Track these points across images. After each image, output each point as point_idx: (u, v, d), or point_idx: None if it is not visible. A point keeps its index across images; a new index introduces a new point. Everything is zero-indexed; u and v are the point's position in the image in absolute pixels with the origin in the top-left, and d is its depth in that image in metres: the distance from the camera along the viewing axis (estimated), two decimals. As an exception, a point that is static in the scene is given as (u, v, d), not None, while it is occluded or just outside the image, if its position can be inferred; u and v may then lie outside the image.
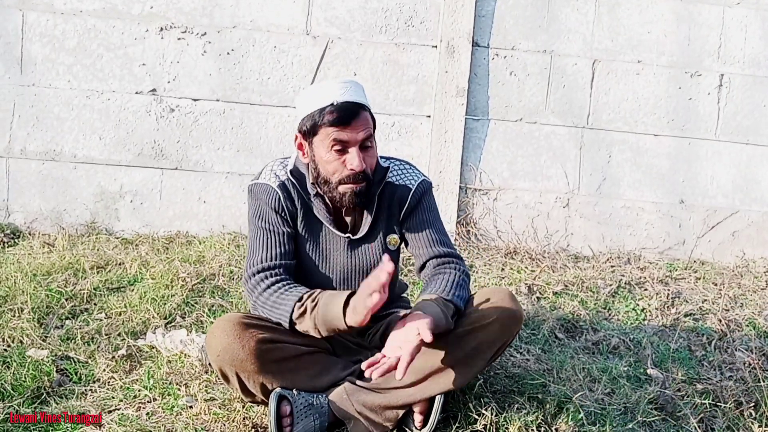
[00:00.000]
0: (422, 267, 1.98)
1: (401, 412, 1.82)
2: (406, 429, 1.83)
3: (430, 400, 1.80)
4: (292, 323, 1.75)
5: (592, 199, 3.72)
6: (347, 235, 1.95)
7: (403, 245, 2.04)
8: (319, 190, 1.90)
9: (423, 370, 1.80)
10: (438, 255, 1.96)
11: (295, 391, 1.79)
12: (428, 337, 1.62)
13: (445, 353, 1.79)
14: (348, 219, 1.96)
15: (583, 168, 3.70)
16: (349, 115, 1.81)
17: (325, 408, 1.80)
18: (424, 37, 3.60)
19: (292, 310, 1.74)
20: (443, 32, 3.54)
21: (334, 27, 3.56)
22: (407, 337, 1.67)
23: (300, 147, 1.92)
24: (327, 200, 1.93)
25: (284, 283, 1.81)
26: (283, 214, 1.91)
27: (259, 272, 1.83)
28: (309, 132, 1.86)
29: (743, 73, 3.71)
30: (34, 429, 1.78)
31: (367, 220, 1.96)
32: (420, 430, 1.80)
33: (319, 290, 1.77)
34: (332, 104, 1.80)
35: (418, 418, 1.81)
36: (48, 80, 3.48)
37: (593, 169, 3.70)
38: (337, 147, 1.82)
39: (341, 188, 1.85)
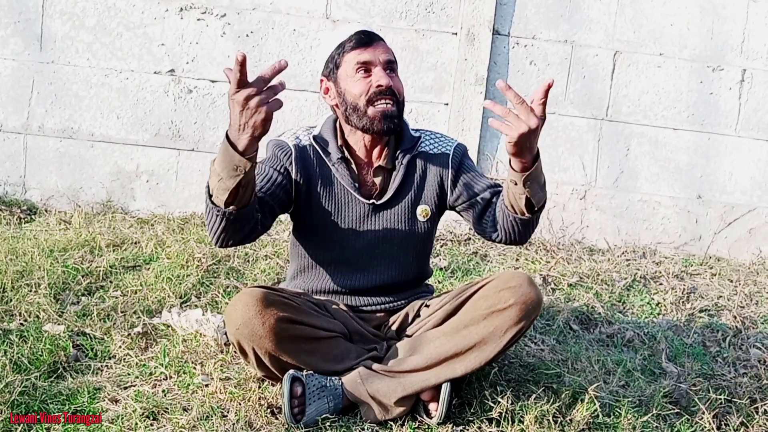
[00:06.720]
0: (490, 214, 1.90)
1: (413, 399, 1.81)
2: (417, 417, 1.82)
3: (439, 390, 1.78)
4: (209, 194, 1.69)
5: (609, 192, 3.69)
6: (371, 201, 1.92)
7: (444, 218, 2.05)
8: (350, 122, 1.87)
9: (438, 354, 1.79)
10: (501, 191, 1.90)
11: (308, 373, 1.78)
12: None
13: (461, 337, 1.78)
14: (377, 180, 1.93)
15: (601, 160, 3.67)
16: (369, 37, 1.85)
17: (338, 390, 1.78)
18: (444, 24, 3.57)
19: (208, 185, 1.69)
20: (464, 19, 3.51)
21: (354, 11, 3.54)
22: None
23: (326, 91, 1.93)
24: (353, 165, 1.91)
25: None
26: (289, 166, 1.89)
27: None
28: (333, 69, 1.88)
29: (766, 69, 3.66)
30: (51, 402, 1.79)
31: (394, 182, 1.92)
32: (432, 419, 1.79)
33: None
34: (350, 36, 1.86)
35: (433, 406, 1.80)
36: (67, 58, 3.49)
37: (611, 161, 3.67)
38: (361, 69, 1.84)
39: (370, 111, 1.83)
